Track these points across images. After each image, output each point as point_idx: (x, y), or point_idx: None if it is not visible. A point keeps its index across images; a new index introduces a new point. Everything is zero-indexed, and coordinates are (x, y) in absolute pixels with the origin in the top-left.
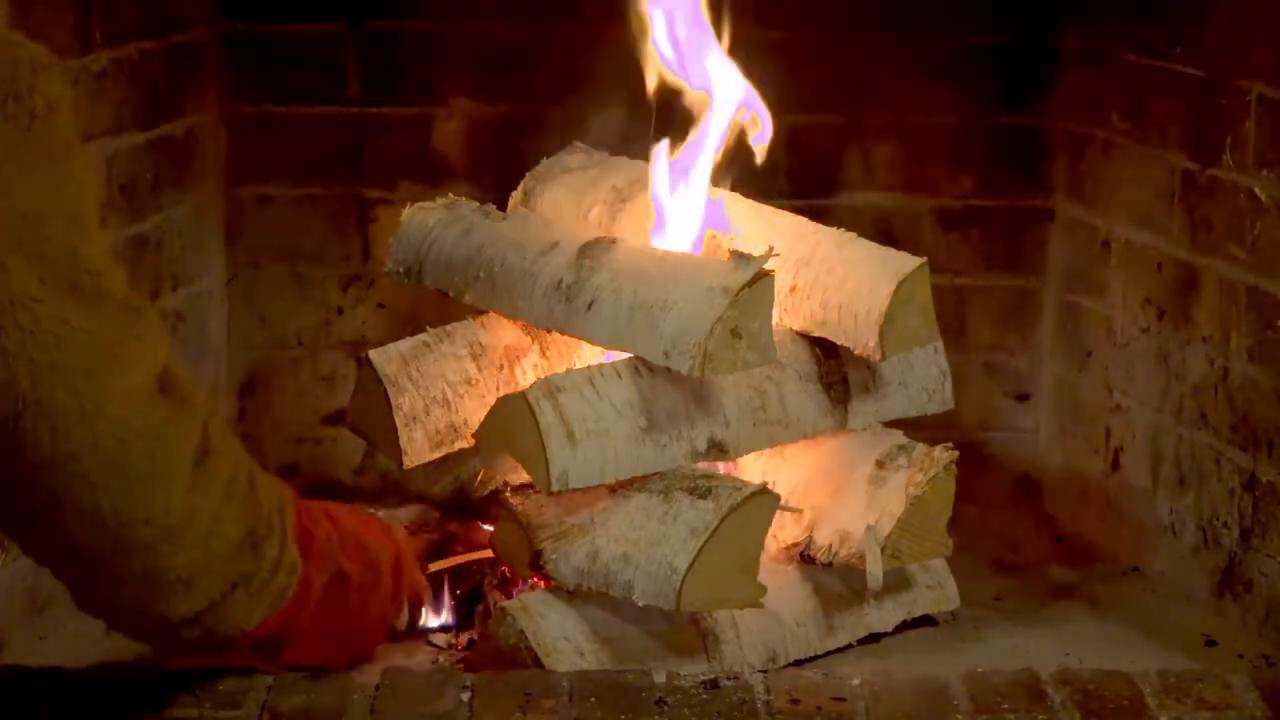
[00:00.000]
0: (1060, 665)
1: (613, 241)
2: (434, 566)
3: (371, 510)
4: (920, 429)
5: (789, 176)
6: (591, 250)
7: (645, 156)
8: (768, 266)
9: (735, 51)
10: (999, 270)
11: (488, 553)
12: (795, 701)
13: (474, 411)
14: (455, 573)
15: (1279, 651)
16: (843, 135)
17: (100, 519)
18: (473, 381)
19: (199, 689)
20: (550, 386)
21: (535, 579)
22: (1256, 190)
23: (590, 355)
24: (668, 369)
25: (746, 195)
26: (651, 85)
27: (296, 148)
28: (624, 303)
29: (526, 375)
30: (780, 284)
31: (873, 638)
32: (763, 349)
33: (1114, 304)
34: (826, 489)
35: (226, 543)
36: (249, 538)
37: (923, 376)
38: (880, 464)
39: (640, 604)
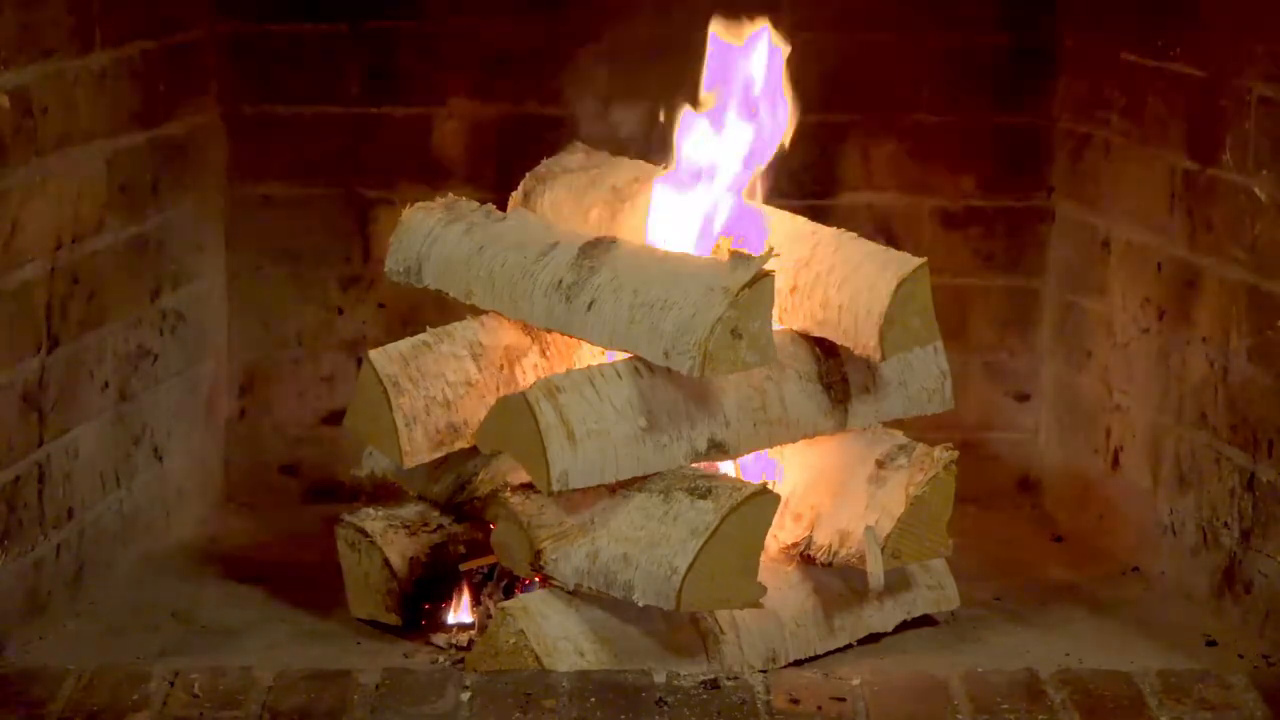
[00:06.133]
0: (1060, 665)
1: (613, 241)
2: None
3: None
4: (920, 429)
5: (789, 176)
6: (591, 250)
7: (647, 157)
8: (768, 267)
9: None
10: (999, 270)
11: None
12: (795, 701)
13: (474, 411)
14: (463, 575)
15: (1279, 651)
16: (843, 135)
17: None
18: (473, 381)
19: (199, 689)
20: (550, 386)
21: (537, 579)
22: (1256, 190)
23: (590, 355)
24: (668, 369)
25: (746, 195)
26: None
27: (296, 148)
28: (624, 303)
29: (526, 375)
30: (780, 284)
31: (873, 638)
32: (763, 349)
33: (1114, 304)
34: (826, 489)
35: None
36: None
37: (923, 376)
38: (880, 464)
39: (640, 604)
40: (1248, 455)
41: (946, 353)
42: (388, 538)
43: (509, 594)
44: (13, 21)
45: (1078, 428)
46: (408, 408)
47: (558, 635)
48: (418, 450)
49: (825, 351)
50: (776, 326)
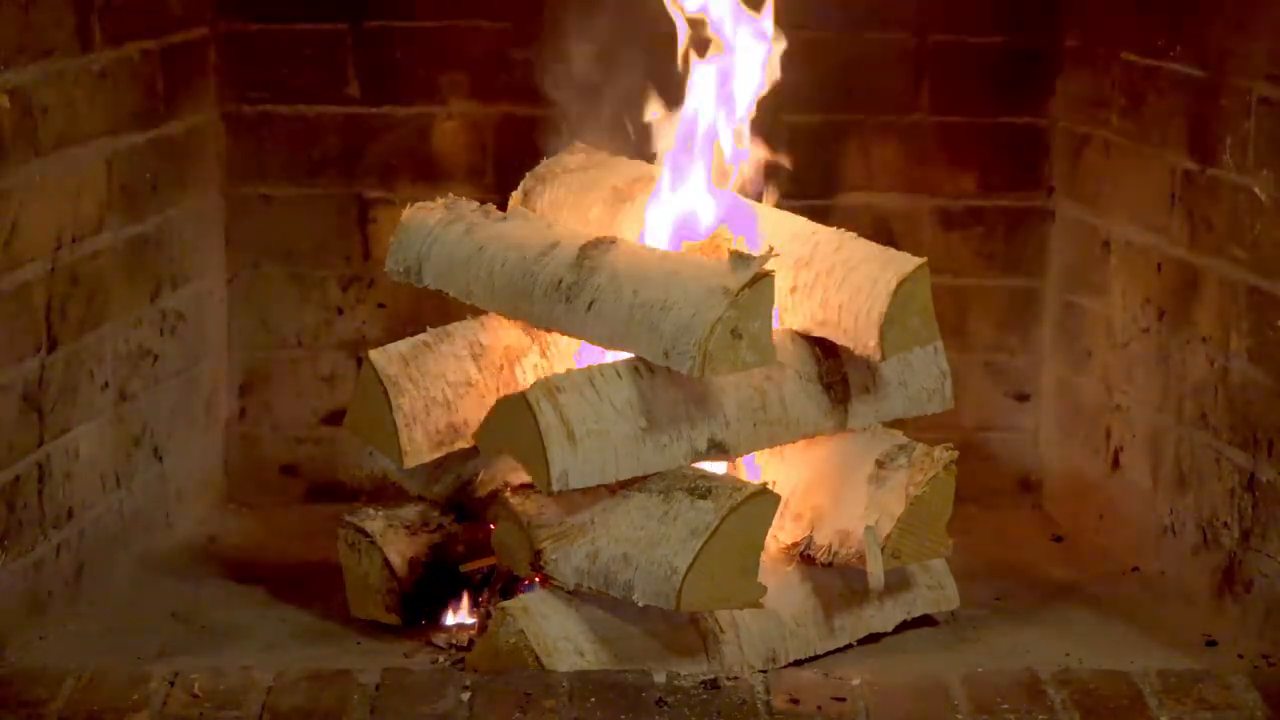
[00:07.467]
0: (1060, 665)
1: (613, 241)
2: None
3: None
4: (920, 429)
5: (789, 176)
6: (591, 250)
7: (645, 156)
8: (768, 267)
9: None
10: (999, 270)
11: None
12: (795, 701)
13: (474, 412)
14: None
15: (1279, 651)
16: (843, 135)
17: None
18: (473, 382)
19: (199, 689)
20: (550, 386)
21: (537, 579)
22: (1256, 190)
23: (590, 355)
24: (668, 369)
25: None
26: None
27: (296, 148)
28: (624, 303)
29: (526, 375)
30: (780, 284)
31: (873, 638)
32: (763, 349)
33: (1114, 304)
34: (826, 489)
35: None
36: None
37: (923, 377)
38: (880, 464)
39: (640, 604)
40: (1248, 455)
41: (946, 353)
42: (388, 538)
43: (509, 594)
44: (13, 21)
45: (1078, 428)
46: (408, 408)
47: (558, 635)
48: (418, 450)
49: (825, 351)
50: (776, 326)
